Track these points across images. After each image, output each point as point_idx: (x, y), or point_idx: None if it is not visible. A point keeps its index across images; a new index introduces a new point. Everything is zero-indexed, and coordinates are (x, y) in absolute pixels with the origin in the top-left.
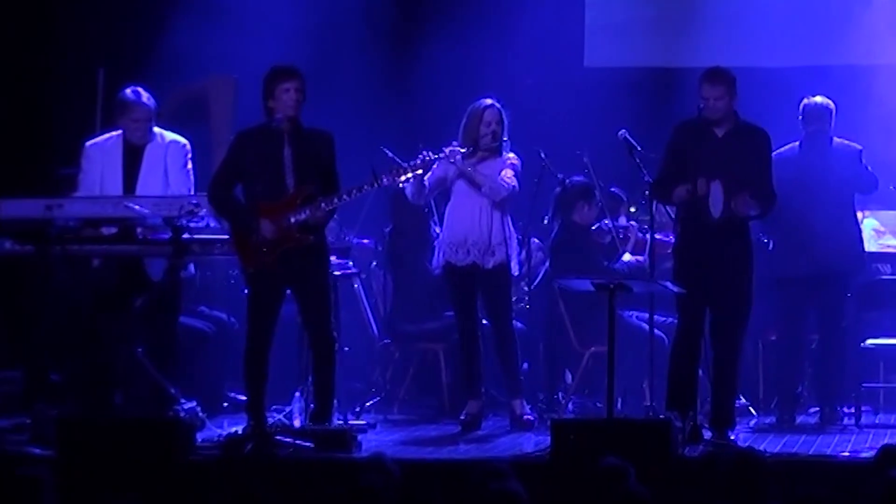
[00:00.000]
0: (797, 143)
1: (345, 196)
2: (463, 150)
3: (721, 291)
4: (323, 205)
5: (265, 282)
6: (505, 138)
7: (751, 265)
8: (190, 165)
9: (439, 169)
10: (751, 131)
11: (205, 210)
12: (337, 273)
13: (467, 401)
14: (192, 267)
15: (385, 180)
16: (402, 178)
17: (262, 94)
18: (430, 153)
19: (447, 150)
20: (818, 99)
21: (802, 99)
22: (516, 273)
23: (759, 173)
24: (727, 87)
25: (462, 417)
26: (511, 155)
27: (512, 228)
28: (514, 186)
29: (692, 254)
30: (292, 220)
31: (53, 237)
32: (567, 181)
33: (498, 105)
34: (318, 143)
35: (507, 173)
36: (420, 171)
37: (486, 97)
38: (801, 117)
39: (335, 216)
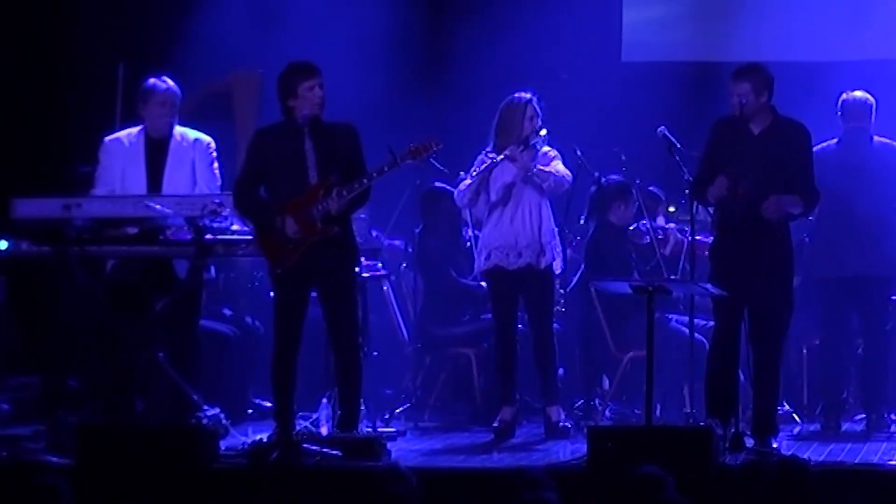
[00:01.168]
0: (835, 139)
1: (364, 181)
2: (519, 150)
3: (760, 293)
4: (345, 192)
5: (291, 283)
6: (543, 132)
7: (790, 265)
8: (216, 164)
9: (502, 173)
10: (789, 127)
11: (228, 210)
12: (366, 275)
13: (501, 407)
14: (212, 269)
15: (405, 160)
16: (422, 156)
17: (280, 93)
18: (495, 156)
19: (507, 153)
20: (858, 94)
21: (841, 94)
22: (559, 271)
23: (800, 170)
24: (752, 84)
25: (495, 425)
26: (547, 148)
27: (555, 225)
28: (571, 177)
29: (729, 254)
30: (314, 212)
31: (72, 238)
32: (603, 180)
33: (535, 98)
34: (340, 136)
35: (559, 165)
36: (477, 174)
37: (521, 91)
38: (839, 113)
39: (364, 214)
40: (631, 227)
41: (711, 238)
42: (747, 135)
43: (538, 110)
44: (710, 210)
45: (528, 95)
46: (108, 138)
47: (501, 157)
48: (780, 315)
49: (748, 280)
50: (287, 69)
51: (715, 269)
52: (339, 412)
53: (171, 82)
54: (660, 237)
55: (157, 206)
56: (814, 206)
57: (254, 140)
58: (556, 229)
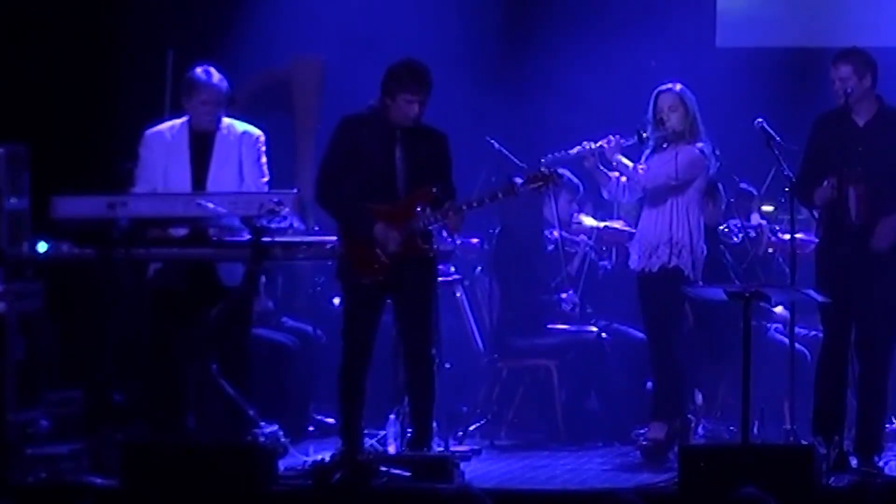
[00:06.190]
0: None
1: (475, 204)
2: (621, 141)
3: (867, 300)
4: (464, 207)
5: (366, 292)
6: (679, 128)
7: None
8: (265, 159)
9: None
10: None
11: (287, 209)
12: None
13: (650, 423)
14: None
15: (522, 187)
16: (543, 188)
17: (382, 86)
18: (590, 143)
19: (602, 142)
20: None
21: None
22: (691, 276)
23: None
24: (854, 68)
25: (644, 442)
26: (700, 145)
27: (688, 227)
28: (630, 184)
29: (835, 259)
30: (415, 227)
31: (117, 239)
32: None
33: (677, 88)
34: (432, 143)
35: (638, 169)
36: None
37: (671, 81)
38: None
39: None
40: (721, 227)
41: (815, 239)
42: (852, 127)
43: (674, 101)
44: (815, 212)
45: (666, 86)
46: (148, 132)
47: (596, 146)
48: (888, 323)
49: (855, 285)
50: (397, 67)
51: (820, 275)
52: (409, 430)
53: (217, 76)
54: (752, 236)
55: (210, 205)
56: None
57: (340, 127)
58: (687, 231)
